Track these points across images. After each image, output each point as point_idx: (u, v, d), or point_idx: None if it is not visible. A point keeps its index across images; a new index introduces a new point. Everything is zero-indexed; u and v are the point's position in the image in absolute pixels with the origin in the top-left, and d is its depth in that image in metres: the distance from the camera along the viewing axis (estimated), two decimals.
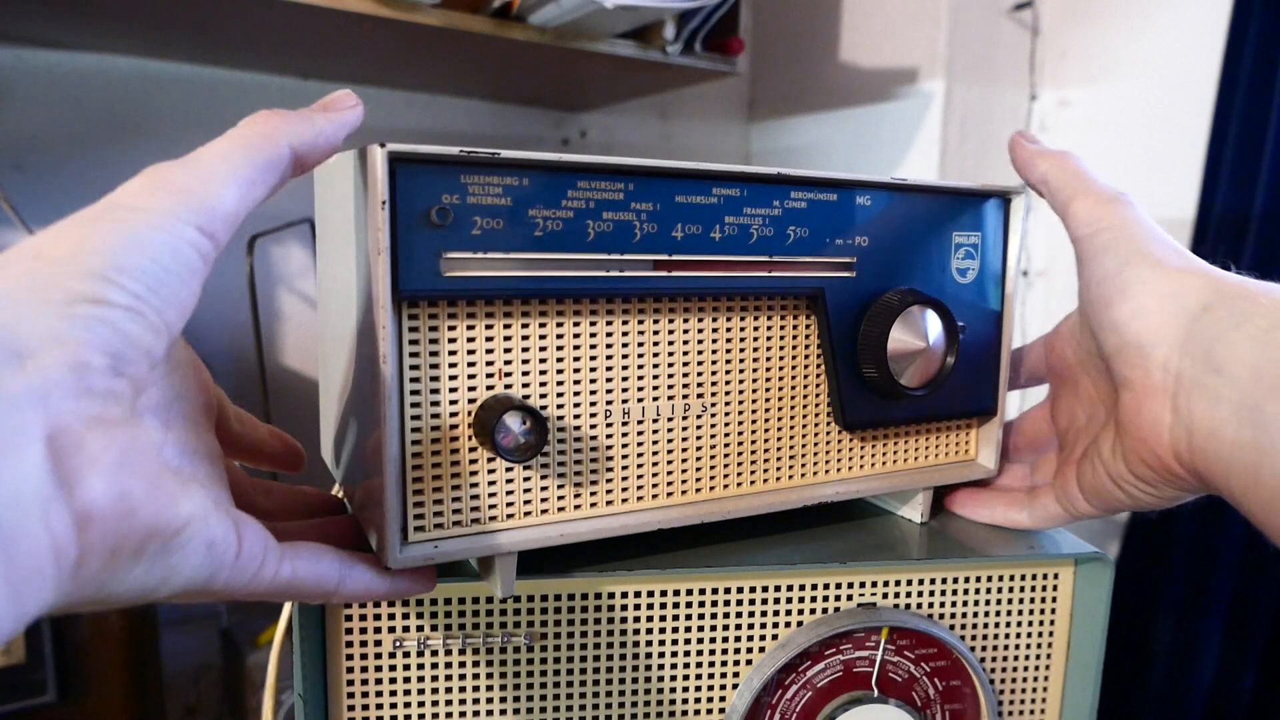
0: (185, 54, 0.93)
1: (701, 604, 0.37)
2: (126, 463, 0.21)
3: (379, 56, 0.89)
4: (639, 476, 0.35)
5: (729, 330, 0.37)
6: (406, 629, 0.35)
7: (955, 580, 0.39)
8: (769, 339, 0.37)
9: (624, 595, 0.36)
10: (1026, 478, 0.43)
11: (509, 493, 0.33)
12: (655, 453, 0.36)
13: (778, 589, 0.37)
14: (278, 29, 0.78)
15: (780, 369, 0.38)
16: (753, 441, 0.38)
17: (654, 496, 0.36)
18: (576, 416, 0.34)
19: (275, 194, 0.27)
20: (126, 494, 0.20)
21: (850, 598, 0.38)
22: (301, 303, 1.06)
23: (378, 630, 0.35)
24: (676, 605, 0.37)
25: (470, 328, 0.31)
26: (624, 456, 0.35)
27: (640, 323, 0.35)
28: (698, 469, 0.37)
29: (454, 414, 0.31)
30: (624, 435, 0.35)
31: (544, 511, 0.34)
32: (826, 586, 0.38)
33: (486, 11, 0.75)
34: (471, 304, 0.31)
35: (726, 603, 0.37)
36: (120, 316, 0.21)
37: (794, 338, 0.38)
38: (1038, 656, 0.41)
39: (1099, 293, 0.34)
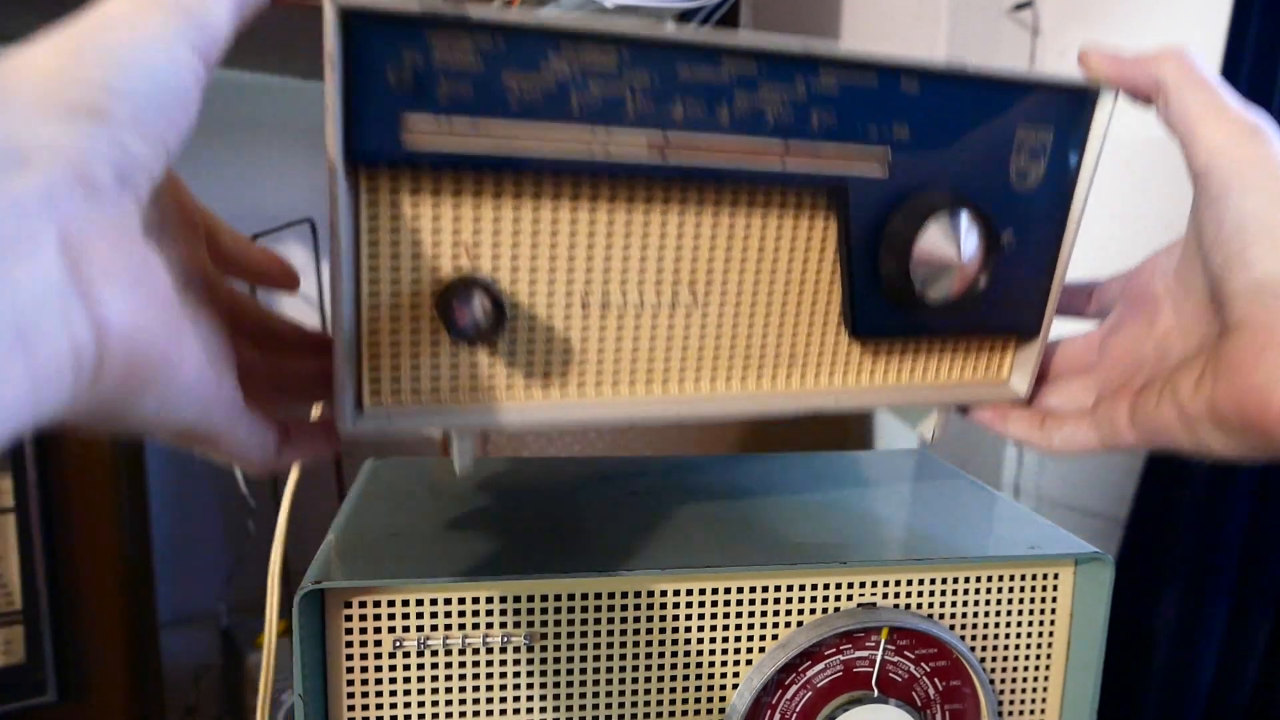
0: None
1: (701, 604, 0.37)
2: (140, 281, 0.20)
3: None
4: (615, 368, 0.33)
5: (732, 220, 0.33)
6: (406, 629, 0.35)
7: (955, 580, 0.39)
8: (778, 232, 0.34)
9: (624, 595, 0.36)
10: (1040, 396, 0.41)
11: (473, 373, 0.31)
12: (635, 345, 0.33)
13: (778, 589, 0.37)
14: (278, 29, 0.78)
15: (788, 264, 0.34)
16: (748, 341, 0.34)
17: (631, 389, 0.33)
18: (550, 301, 0.31)
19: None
20: (141, 308, 0.20)
21: (850, 598, 0.38)
22: (301, 302, 1.06)
23: (378, 630, 0.35)
24: (676, 605, 0.37)
25: (436, 202, 0.29)
26: (600, 345, 0.33)
27: (629, 211, 0.31)
28: (682, 365, 0.34)
29: (416, 290, 0.30)
30: (602, 323, 0.32)
31: (509, 394, 0.32)
32: (826, 586, 0.38)
33: None
34: (438, 176, 0.29)
35: (726, 603, 0.37)
36: (122, 133, 0.20)
37: (807, 231, 0.34)
38: (1038, 656, 0.41)
39: (1234, 231, 0.31)
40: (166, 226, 0.26)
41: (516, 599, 0.35)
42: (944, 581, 0.39)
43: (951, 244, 0.33)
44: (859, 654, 0.38)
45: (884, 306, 0.35)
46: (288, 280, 0.37)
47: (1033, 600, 0.40)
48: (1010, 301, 0.37)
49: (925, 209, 0.33)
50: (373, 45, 0.26)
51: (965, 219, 0.33)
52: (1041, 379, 0.41)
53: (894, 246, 0.33)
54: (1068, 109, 0.36)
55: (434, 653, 0.35)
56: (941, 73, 0.33)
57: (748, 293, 0.34)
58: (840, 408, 0.36)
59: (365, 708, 0.35)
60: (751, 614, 0.37)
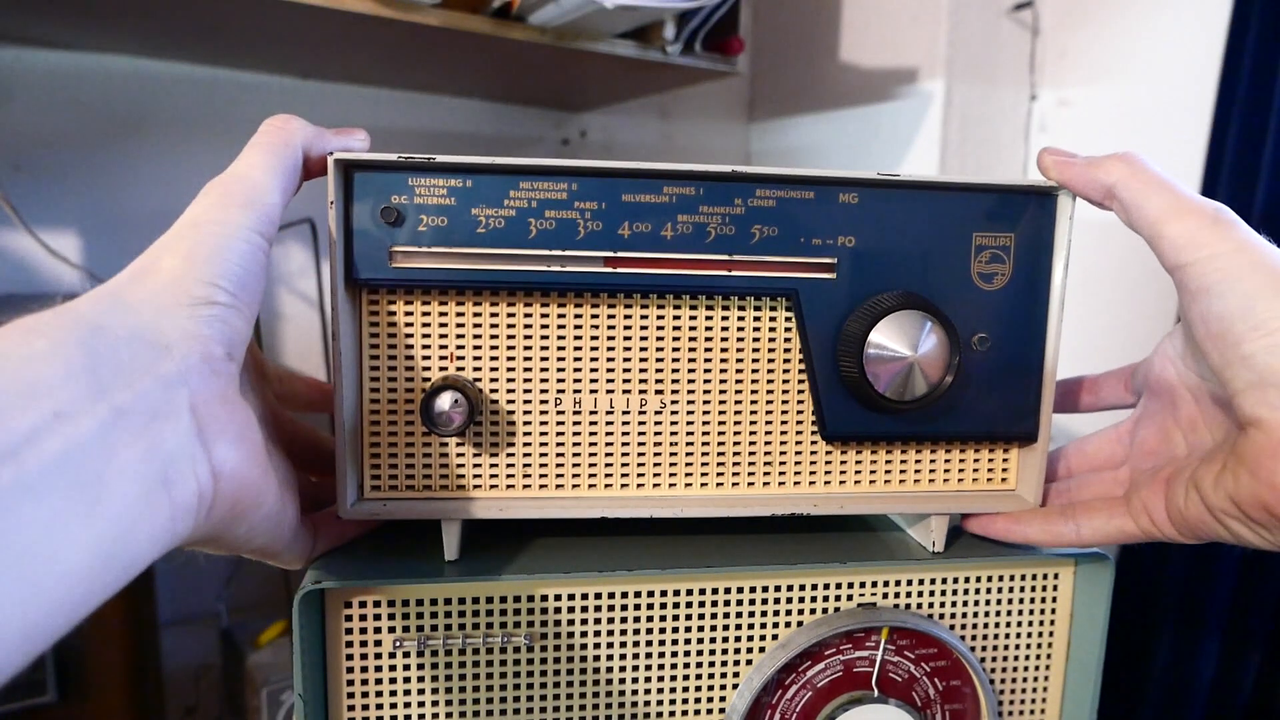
0: (185, 54, 0.93)
1: (701, 604, 0.37)
2: (243, 435, 0.26)
3: (379, 56, 0.89)
4: (591, 466, 0.36)
5: (693, 328, 0.36)
6: (406, 629, 0.35)
7: (955, 580, 0.39)
8: (740, 338, 0.36)
9: (624, 595, 0.36)
10: (1061, 495, 0.39)
11: (459, 467, 0.35)
12: (609, 445, 0.36)
13: (778, 589, 0.37)
14: (278, 29, 0.78)
15: (753, 368, 0.36)
16: (719, 443, 0.37)
17: (606, 486, 0.36)
18: (527, 403, 0.35)
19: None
20: (243, 459, 0.26)
21: (850, 598, 0.38)
22: (301, 303, 1.06)
23: (378, 630, 0.35)
24: (676, 605, 0.37)
25: (425, 314, 0.35)
26: (575, 446, 0.36)
27: (594, 316, 0.35)
28: (656, 465, 0.37)
29: (409, 390, 0.35)
30: (576, 426, 0.36)
31: (491, 490, 0.36)
32: (826, 586, 0.38)
33: (486, 11, 0.75)
34: (426, 293, 0.34)
35: (726, 603, 0.37)
36: (228, 314, 0.27)
37: (768, 335, 0.36)
38: (1038, 656, 0.41)
39: (1223, 327, 0.30)
40: (247, 375, 0.31)
41: (516, 599, 0.35)
42: (944, 581, 0.39)
43: (903, 342, 0.34)
44: (859, 654, 0.38)
45: (853, 409, 0.36)
46: (326, 405, 0.41)
47: (1033, 600, 0.40)
48: (998, 405, 0.37)
49: (877, 309, 0.34)
50: (366, 190, 0.33)
51: (916, 318, 0.34)
52: (1066, 475, 0.40)
53: (849, 346, 0.35)
54: (1024, 211, 0.36)
55: (434, 653, 0.35)
56: (877, 183, 0.35)
57: (715, 396, 0.36)
58: (821, 513, 0.37)
59: (365, 708, 0.35)
60: (751, 614, 0.37)
